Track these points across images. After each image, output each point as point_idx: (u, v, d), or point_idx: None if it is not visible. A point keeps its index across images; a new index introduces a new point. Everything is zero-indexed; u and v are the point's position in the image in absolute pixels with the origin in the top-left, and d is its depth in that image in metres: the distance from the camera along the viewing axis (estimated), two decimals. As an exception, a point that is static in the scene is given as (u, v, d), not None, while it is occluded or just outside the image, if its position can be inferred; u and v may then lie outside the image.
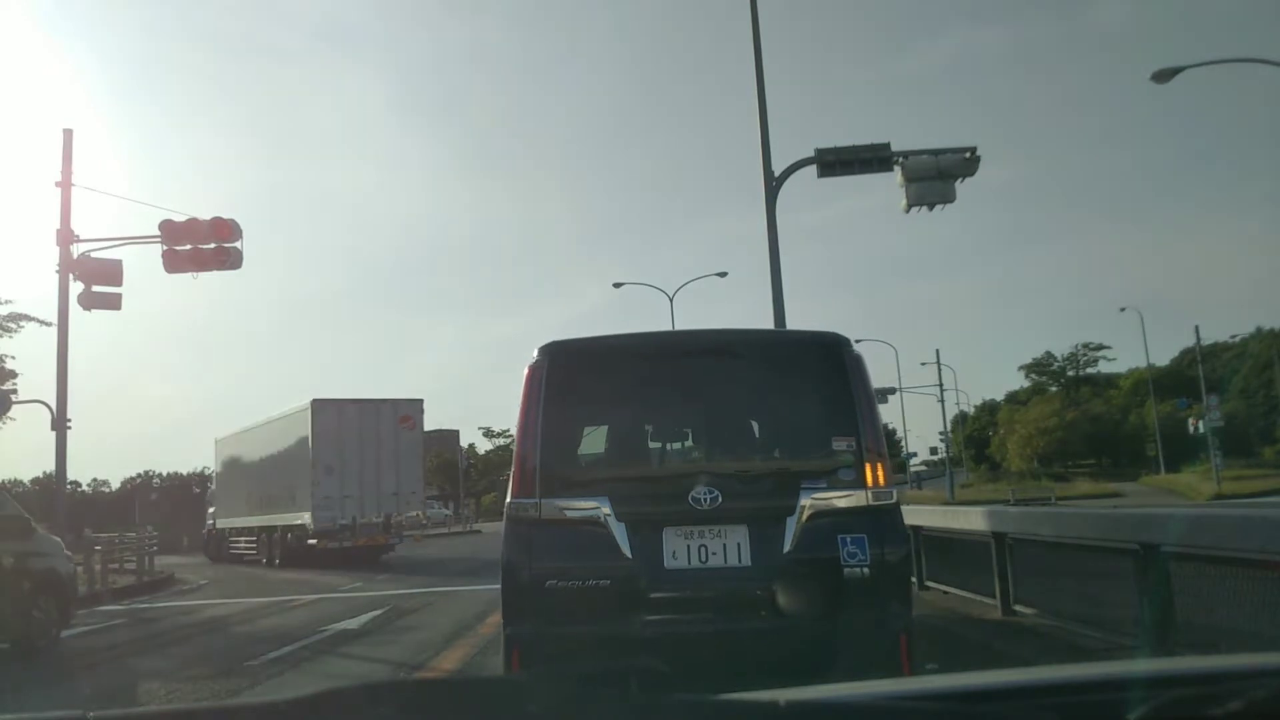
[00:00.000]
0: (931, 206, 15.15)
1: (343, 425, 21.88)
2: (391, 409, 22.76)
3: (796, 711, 1.22)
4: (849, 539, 4.24)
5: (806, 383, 4.76)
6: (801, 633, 4.21)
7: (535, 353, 4.62)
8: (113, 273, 17.08)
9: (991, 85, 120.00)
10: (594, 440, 4.94)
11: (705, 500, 4.29)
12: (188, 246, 16.09)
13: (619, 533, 4.29)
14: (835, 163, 14.73)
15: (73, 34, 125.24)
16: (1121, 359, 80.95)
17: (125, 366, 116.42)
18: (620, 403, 4.85)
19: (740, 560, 4.27)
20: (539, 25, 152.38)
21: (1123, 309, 53.42)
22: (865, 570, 4.20)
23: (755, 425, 5.00)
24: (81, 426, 20.22)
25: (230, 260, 16.24)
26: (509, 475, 4.55)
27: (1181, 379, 67.36)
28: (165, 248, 16.04)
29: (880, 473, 4.39)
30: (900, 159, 14.80)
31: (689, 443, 5.00)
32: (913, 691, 1.47)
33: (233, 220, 16.21)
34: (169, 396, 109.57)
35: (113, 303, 17.16)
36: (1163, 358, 68.26)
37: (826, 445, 4.48)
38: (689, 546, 4.29)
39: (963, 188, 14.94)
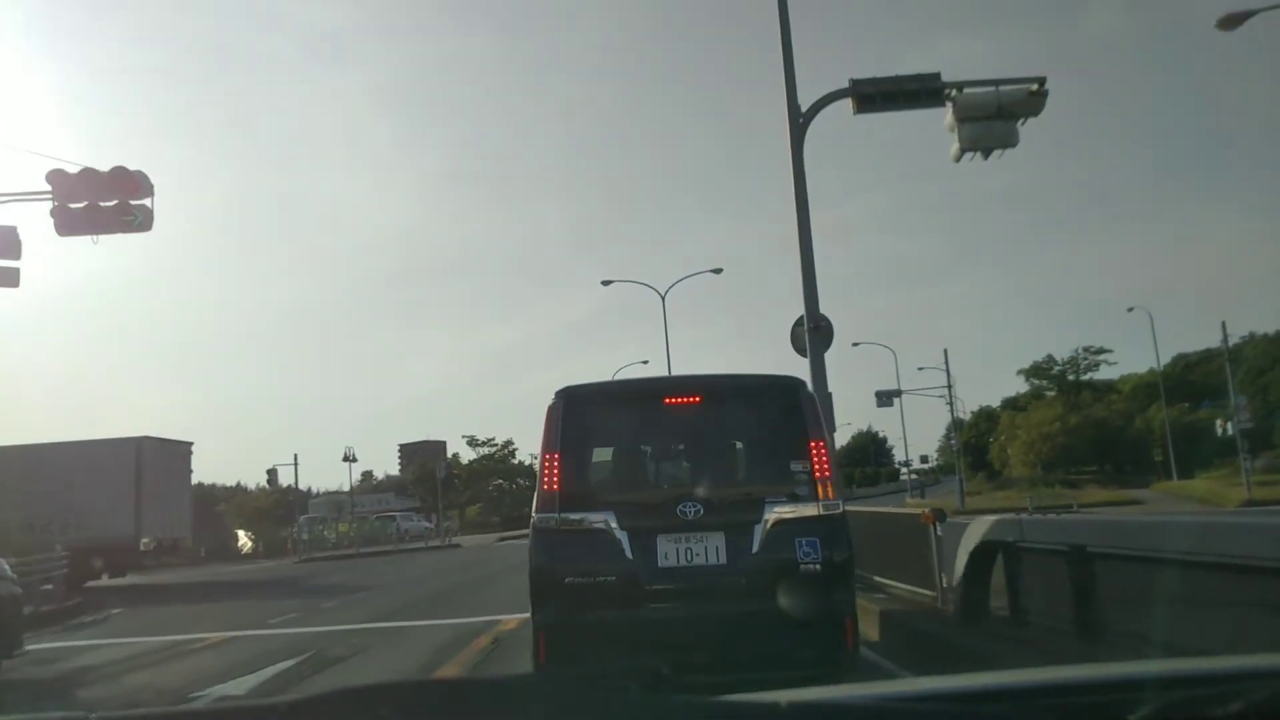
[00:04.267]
0: (988, 153, 12.44)
1: (156, 460, 24.89)
2: (183, 449, 27.21)
3: (798, 712, 1.23)
4: (804, 542, 5.19)
5: (770, 417, 5.66)
6: (767, 616, 5.03)
7: (554, 395, 5.47)
8: (7, 242, 14.20)
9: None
10: (601, 464, 5.81)
11: (690, 513, 5.21)
12: (83, 204, 13.21)
13: (622, 539, 5.20)
14: (875, 95, 12.00)
15: (57, 42, 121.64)
16: (1117, 364, 78.77)
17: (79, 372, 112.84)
18: (622, 435, 5.81)
19: (718, 560, 5.20)
20: (526, 32, 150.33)
21: (1130, 309, 51.06)
22: (817, 567, 5.16)
23: (730, 451, 5.93)
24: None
25: (137, 220, 13.33)
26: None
27: (1179, 383, 66.22)
28: (55, 204, 13.15)
29: (829, 489, 5.29)
30: (952, 92, 12.14)
31: (677, 466, 5.91)
32: (913, 692, 1.48)
33: (139, 172, 13.34)
34: (163, 405, 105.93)
35: (9, 279, 14.31)
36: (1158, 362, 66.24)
37: (786, 467, 5.38)
38: (677, 549, 5.21)
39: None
